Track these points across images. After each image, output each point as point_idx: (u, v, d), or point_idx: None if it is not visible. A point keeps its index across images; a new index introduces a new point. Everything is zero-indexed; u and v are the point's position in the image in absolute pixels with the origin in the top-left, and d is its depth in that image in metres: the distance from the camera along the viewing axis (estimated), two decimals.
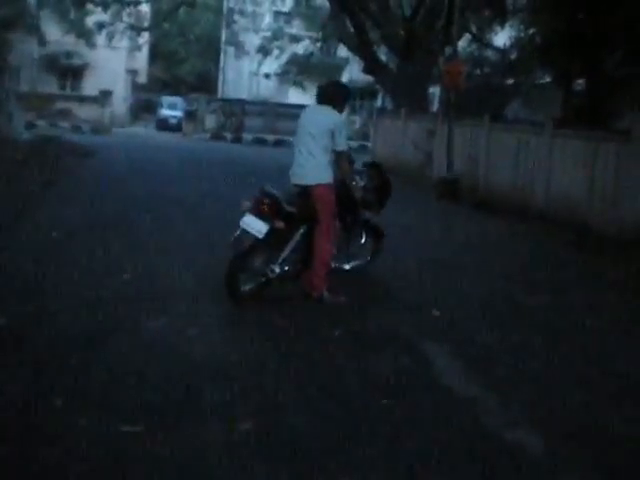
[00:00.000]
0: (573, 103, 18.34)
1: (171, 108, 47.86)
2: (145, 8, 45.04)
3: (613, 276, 10.59)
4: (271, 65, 44.30)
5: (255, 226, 7.40)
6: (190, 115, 45.12)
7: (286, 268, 7.81)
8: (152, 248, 10.18)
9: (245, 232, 7.50)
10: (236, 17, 44.90)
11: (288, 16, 42.98)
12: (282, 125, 42.00)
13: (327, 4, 31.80)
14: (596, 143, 14.42)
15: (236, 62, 49.30)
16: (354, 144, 37.18)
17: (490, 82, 28.77)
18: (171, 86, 57.96)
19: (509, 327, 7.73)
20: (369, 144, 31.04)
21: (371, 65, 28.71)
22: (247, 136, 38.80)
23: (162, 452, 4.46)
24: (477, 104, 23.41)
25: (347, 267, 9.07)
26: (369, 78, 32.43)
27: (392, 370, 6.18)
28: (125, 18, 40.80)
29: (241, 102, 44.93)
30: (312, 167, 7.78)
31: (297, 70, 43.28)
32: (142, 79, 56.61)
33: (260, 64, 43.57)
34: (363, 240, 9.21)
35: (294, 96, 47.05)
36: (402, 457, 4.67)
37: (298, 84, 43.78)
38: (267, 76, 45.33)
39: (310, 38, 42.12)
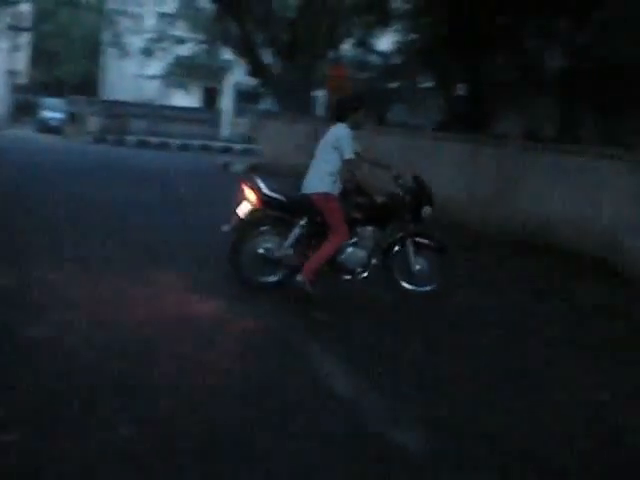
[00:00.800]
0: (454, 107, 18.69)
1: (52, 110, 46.65)
2: (25, 7, 43.87)
3: (487, 276, 10.85)
4: (155, 67, 43.76)
5: (242, 209, 8.52)
6: (72, 117, 44.11)
7: (296, 262, 8.45)
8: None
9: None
10: (119, 18, 44.23)
11: (172, 18, 42.48)
12: (166, 128, 41.58)
13: (211, 6, 31.60)
14: (476, 146, 14.72)
15: (119, 63, 48.44)
16: (239, 147, 37.16)
17: (374, 86, 29.06)
18: (53, 87, 56.60)
19: (390, 326, 7.80)
20: (255, 147, 30.94)
21: (256, 68, 28.67)
22: (131, 139, 38.15)
23: None
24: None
25: (406, 285, 8.90)
26: (254, 81, 32.35)
27: (274, 371, 6.15)
28: (4, 18, 39.67)
29: (124, 104, 44.16)
30: (311, 178, 8.49)
31: (181, 72, 42.89)
32: (22, 80, 55.13)
33: (144, 66, 43.00)
34: (419, 264, 8.79)
35: (178, 98, 46.67)
36: (281, 459, 4.63)
37: (182, 86, 43.38)
38: (151, 78, 44.74)
39: (194, 40, 41.81)
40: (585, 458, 5.07)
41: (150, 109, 44.12)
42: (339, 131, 8.42)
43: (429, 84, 24.18)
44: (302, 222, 8.51)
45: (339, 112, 8.65)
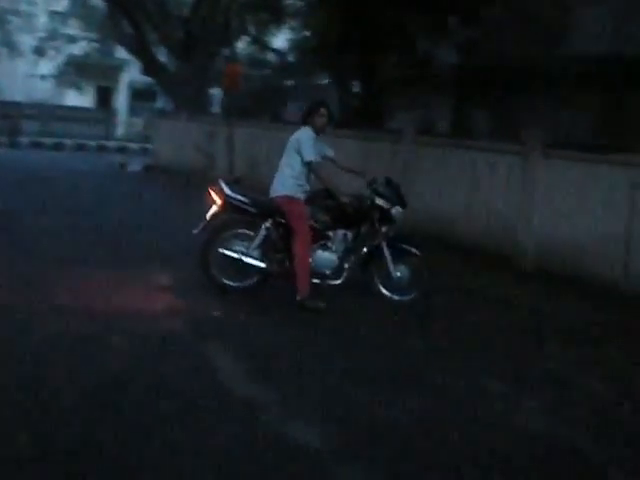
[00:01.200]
0: (350, 104, 18.83)
1: None
2: None
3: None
4: (47, 66, 42.83)
5: (210, 212, 8.64)
6: None
7: (263, 265, 8.51)
8: None
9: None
10: (9, 17, 43.13)
11: (64, 16, 41.64)
12: (60, 128, 40.73)
13: (104, 4, 31.11)
14: (370, 142, 14.88)
15: (10, 63, 47.26)
16: (135, 147, 36.68)
17: (270, 83, 29.11)
18: None
19: (293, 325, 7.84)
20: (151, 146, 30.60)
21: (150, 66, 28.40)
22: (24, 140, 37.26)
23: None
24: (257, 105, 23.63)
25: (385, 292, 8.87)
26: (149, 79, 32.02)
27: (173, 373, 6.12)
28: None
29: (16, 105, 43.08)
30: (275, 181, 8.57)
31: (74, 71, 42.10)
32: None
33: (36, 65, 42.06)
34: (399, 271, 8.74)
35: (72, 98, 45.74)
36: (178, 461, 4.62)
37: (76, 86, 42.60)
38: (43, 78, 43.77)
39: (87, 39, 41.11)
40: (472, 449, 5.20)
41: (43, 109, 43.16)
42: (301, 134, 8.47)
43: (325, 81, 24.32)
44: (267, 224, 8.52)
45: (303, 116, 8.66)
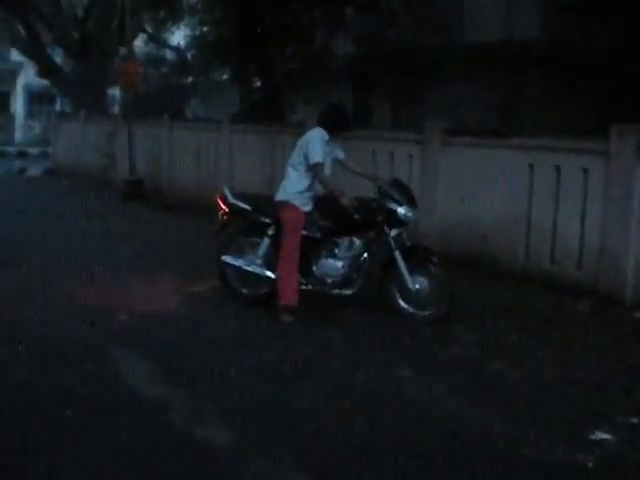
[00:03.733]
0: (250, 99, 18.77)
1: None
2: None
3: None
4: None
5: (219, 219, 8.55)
6: None
7: (269, 273, 8.19)
8: None
9: None
10: None
11: None
12: None
13: None
14: (272, 137, 14.89)
15: None
16: (35, 151, 35.90)
17: (169, 82, 28.87)
18: None
19: (204, 324, 7.79)
20: (50, 150, 30.01)
21: (46, 68, 27.88)
22: None
23: None
24: (157, 104, 23.40)
25: (403, 306, 8.09)
26: (46, 82, 31.40)
27: (78, 378, 6.02)
28: None
29: None
30: (281, 184, 8.18)
31: None
32: None
33: None
34: (418, 282, 7.93)
35: None
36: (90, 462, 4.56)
37: None
38: None
39: None
40: (374, 442, 5.25)
41: None
42: (311, 134, 8.00)
43: (224, 77, 24.22)
44: (270, 231, 8.19)
45: (319, 119, 8.21)
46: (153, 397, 5.70)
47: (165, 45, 32.22)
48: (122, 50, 20.04)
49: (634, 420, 5.58)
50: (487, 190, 10.83)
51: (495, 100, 16.51)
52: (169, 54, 32.07)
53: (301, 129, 14.30)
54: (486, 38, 16.47)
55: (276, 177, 14.62)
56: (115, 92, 29.54)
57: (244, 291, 8.51)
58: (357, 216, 7.94)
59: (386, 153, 12.46)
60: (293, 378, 6.25)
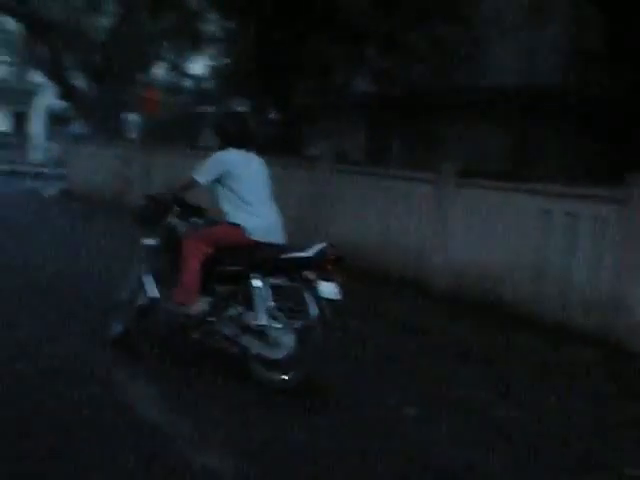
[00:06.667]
0: (267, 131, 18.84)
1: None
2: None
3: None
4: None
5: None
6: None
7: None
8: None
9: None
10: None
11: None
12: None
13: (20, 28, 30.71)
14: (288, 170, 14.90)
15: None
16: (51, 172, 36.03)
17: (187, 110, 29.01)
18: None
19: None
20: (67, 171, 30.14)
21: (67, 91, 28.12)
22: None
23: None
24: (175, 131, 23.51)
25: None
26: (65, 104, 31.65)
27: (83, 401, 5.98)
28: None
29: None
30: (279, 222, 7.29)
31: None
32: None
33: None
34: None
35: None
36: None
37: None
38: None
39: (3, 63, 40.54)
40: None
41: None
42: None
43: (242, 108, 24.31)
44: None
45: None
46: (156, 424, 5.65)
47: (185, 74, 32.48)
48: (142, 77, 20.17)
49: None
50: (500, 233, 10.81)
51: (511, 143, 16.54)
52: (188, 83, 32.32)
53: (316, 163, 14.39)
54: (504, 81, 16.52)
55: (286, 211, 14.65)
56: (133, 117, 29.72)
57: None
58: None
59: (400, 192, 12.47)
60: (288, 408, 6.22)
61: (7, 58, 40.32)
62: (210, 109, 28.55)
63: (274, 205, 7.28)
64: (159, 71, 29.81)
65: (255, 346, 6.63)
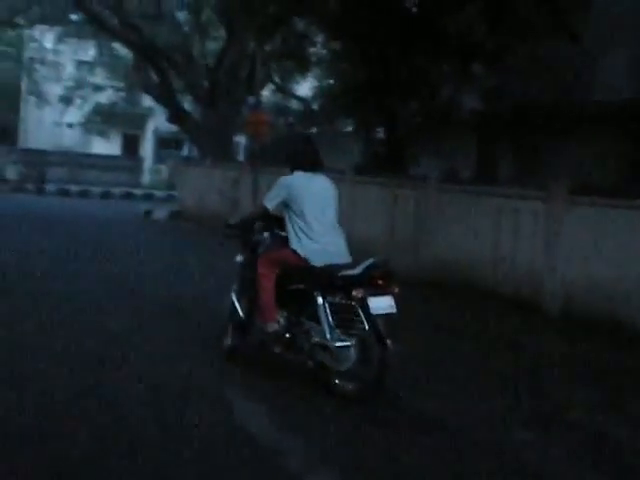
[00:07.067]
0: (373, 151, 18.86)
1: None
2: None
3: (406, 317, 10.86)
4: (74, 115, 43.45)
5: None
6: None
7: None
8: None
9: None
10: (37, 66, 43.88)
11: (91, 65, 42.33)
12: (86, 176, 41.27)
13: (130, 53, 31.59)
14: (395, 189, 14.88)
15: (38, 111, 47.97)
16: (161, 194, 36.93)
17: (294, 131, 29.29)
18: None
19: None
20: (176, 193, 30.85)
21: (176, 114, 28.70)
22: (50, 187, 37.71)
23: None
24: (281, 152, 23.72)
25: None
26: (174, 127, 32.37)
27: (196, 420, 6.06)
28: None
29: (43, 152, 43.77)
30: (342, 242, 7.44)
31: (101, 119, 42.67)
32: None
33: (63, 114, 42.66)
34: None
35: (98, 146, 46.30)
36: None
37: (102, 134, 43.14)
38: (70, 126, 44.38)
39: (114, 87, 41.71)
40: None
41: (70, 157, 43.84)
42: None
43: (349, 128, 24.43)
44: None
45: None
46: (269, 443, 5.67)
47: (292, 95, 32.87)
48: (250, 99, 20.46)
49: None
50: (612, 251, 10.55)
51: (623, 159, 16.15)
52: (295, 104, 32.69)
53: (423, 182, 14.33)
54: (617, 96, 16.15)
55: (395, 232, 14.65)
56: (241, 139, 30.18)
57: None
58: None
59: (510, 210, 12.29)
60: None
61: (118, 83, 41.44)
62: (317, 129, 28.81)
63: (337, 226, 7.42)
64: (266, 93, 30.21)
65: (326, 359, 6.87)
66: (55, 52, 43.01)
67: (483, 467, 5.55)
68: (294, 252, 7.13)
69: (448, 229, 13.53)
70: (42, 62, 43.51)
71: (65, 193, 36.64)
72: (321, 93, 25.40)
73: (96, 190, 37.52)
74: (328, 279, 6.91)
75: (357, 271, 6.73)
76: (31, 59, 45.20)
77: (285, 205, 7.29)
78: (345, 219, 15.48)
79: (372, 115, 18.31)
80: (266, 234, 7.66)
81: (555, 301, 11.29)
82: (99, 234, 19.22)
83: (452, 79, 16.99)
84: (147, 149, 50.15)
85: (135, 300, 10.89)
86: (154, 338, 8.68)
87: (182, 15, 30.19)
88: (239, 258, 7.95)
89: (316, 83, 27.83)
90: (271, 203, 7.37)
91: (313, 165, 7.53)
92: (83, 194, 36.79)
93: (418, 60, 16.17)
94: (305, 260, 7.06)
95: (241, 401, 6.69)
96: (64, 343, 8.06)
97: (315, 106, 28.22)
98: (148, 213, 26.79)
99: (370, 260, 6.80)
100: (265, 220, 7.67)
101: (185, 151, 42.73)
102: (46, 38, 41.09)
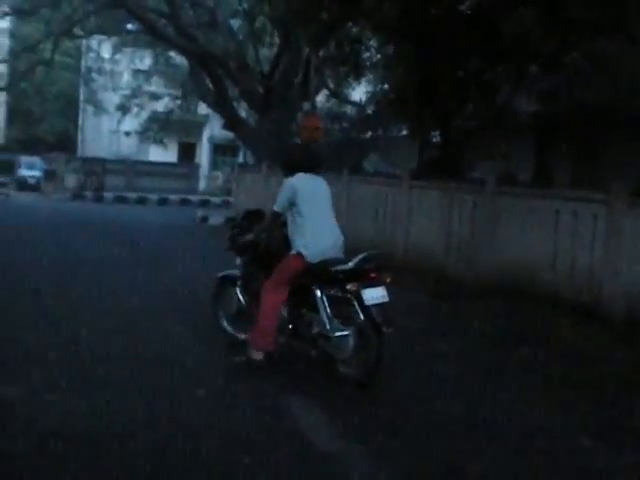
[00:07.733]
0: (429, 155, 18.79)
1: (29, 168, 46.62)
2: (1, 68, 44.19)
3: (468, 323, 10.80)
4: (131, 123, 43.91)
5: None
6: (49, 174, 44.32)
7: None
8: None
9: None
10: (94, 75, 44.50)
11: (147, 74, 42.77)
12: (144, 183, 41.80)
13: (186, 62, 31.89)
14: (451, 193, 14.80)
15: (95, 120, 48.62)
16: (217, 200, 37.24)
17: (348, 136, 29.29)
18: (30, 146, 56.57)
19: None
20: (232, 199, 31.06)
21: (231, 121, 28.91)
22: (108, 195, 38.26)
23: None
24: (336, 158, 23.75)
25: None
26: (230, 134, 32.60)
27: (254, 427, 6.08)
28: None
29: (101, 160, 44.43)
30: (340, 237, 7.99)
31: (157, 127, 43.10)
32: None
33: (120, 122, 43.16)
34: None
35: (155, 153, 46.77)
36: None
37: (159, 141, 43.58)
38: (127, 134, 44.85)
39: (170, 95, 42.11)
40: None
41: (127, 165, 44.44)
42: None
43: (403, 132, 24.34)
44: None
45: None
46: (328, 451, 5.68)
47: (346, 100, 32.88)
48: (305, 105, 20.50)
49: None
50: None
51: None
52: (349, 109, 32.69)
53: (480, 186, 14.23)
54: None
55: (452, 236, 14.56)
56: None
57: None
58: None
59: (569, 213, 12.14)
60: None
61: (174, 91, 41.85)
62: (372, 134, 28.77)
63: (334, 221, 7.99)
64: (321, 99, 30.26)
65: (327, 347, 7.43)
66: (112, 61, 43.50)
67: (548, 475, 5.51)
68: (296, 256, 7.59)
69: (506, 233, 13.41)
70: (99, 71, 44.05)
71: (123, 200, 37.17)
72: (375, 98, 25.29)
73: (153, 197, 37.99)
74: (324, 274, 7.45)
75: (351, 265, 7.30)
76: (89, 69, 45.82)
77: (291, 204, 7.76)
78: (401, 223, 15.51)
79: (427, 119, 18.24)
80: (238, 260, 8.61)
81: (617, 306, 11.11)
82: (158, 241, 19.49)
83: (508, 81, 16.86)
84: (203, 156, 50.58)
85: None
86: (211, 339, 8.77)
87: (236, 23, 30.41)
88: (239, 261, 8.65)
89: (370, 88, 27.73)
90: (281, 205, 7.83)
91: (314, 167, 8.18)
92: (140, 201, 37.28)
93: (474, 62, 16.08)
94: (307, 261, 7.53)
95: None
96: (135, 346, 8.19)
97: (369, 111, 28.15)
98: (204, 219, 27.03)
99: (363, 254, 7.38)
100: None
101: (240, 158, 42.98)
102: (103, 48, 41.61)
